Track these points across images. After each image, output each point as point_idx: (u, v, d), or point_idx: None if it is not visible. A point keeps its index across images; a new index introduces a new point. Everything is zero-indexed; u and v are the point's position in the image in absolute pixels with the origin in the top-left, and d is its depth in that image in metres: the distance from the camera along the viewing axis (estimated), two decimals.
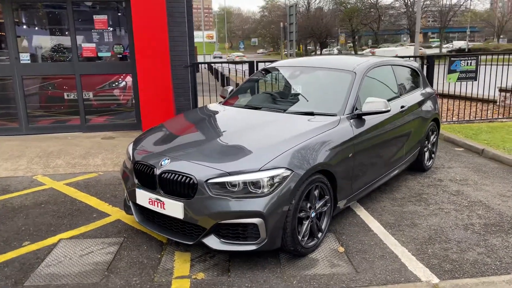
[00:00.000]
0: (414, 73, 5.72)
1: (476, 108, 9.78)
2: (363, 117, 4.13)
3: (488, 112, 9.97)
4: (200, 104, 8.01)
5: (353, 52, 55.15)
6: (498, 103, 10.76)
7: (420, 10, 18.40)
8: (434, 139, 5.88)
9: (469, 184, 5.24)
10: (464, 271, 3.26)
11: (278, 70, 5.14)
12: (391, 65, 5.12)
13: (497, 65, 9.06)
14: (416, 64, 5.94)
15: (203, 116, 4.45)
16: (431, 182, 5.33)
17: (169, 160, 3.41)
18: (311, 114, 4.08)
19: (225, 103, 4.85)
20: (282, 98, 4.57)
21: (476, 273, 3.23)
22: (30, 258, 3.51)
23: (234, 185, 3.14)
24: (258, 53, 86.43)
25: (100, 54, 7.63)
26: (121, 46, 7.66)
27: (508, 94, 10.50)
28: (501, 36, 71.91)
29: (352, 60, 4.79)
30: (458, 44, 59.83)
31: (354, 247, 3.64)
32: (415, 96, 5.34)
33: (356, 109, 4.12)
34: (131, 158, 3.77)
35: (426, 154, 5.66)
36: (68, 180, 5.47)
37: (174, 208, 3.31)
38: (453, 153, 6.70)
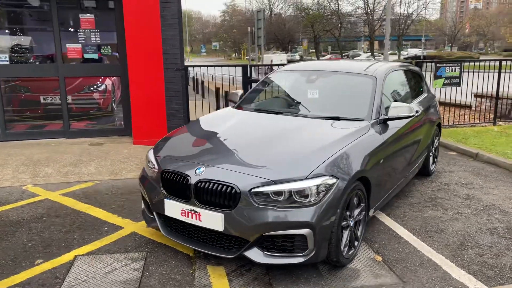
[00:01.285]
0: (419, 77, 5.76)
1: (454, 113, 10.07)
2: (388, 122, 4.08)
3: (465, 117, 10.28)
4: (192, 110, 7.76)
5: (315, 58, 56.07)
6: (473, 108, 11.15)
7: (389, 18, 18.92)
8: (437, 144, 5.95)
9: (476, 188, 5.31)
10: (506, 277, 3.25)
11: (292, 74, 5.01)
12: (403, 70, 5.12)
13: (468, 71, 9.24)
14: (418, 69, 6.00)
15: (225, 121, 4.23)
16: (439, 186, 5.36)
17: (204, 169, 3.19)
18: (337, 119, 3.98)
19: (238, 108, 4.66)
20: (302, 103, 4.44)
21: None
22: (48, 279, 3.17)
23: (279, 194, 2.97)
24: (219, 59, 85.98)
25: (86, 56, 7.20)
26: (108, 47, 7.27)
27: (483, 100, 10.91)
28: (450, 44, 75.84)
29: (369, 65, 4.75)
30: (413, 51, 62.24)
31: (390, 256, 3.56)
32: (423, 101, 5.37)
33: (381, 114, 4.06)
34: (157, 166, 3.50)
35: (431, 159, 5.71)
36: (64, 190, 5.08)
37: (212, 219, 3.09)
38: (448, 157, 6.82)
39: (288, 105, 4.42)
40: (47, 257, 3.49)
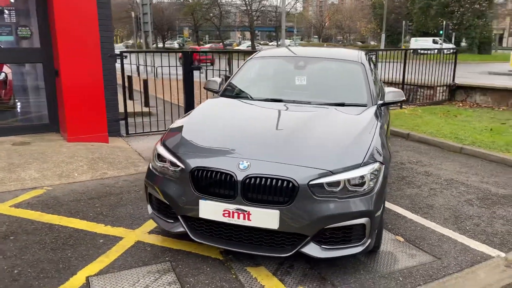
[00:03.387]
0: (373, 63, 6.06)
1: None
2: (382, 107, 4.21)
3: None
4: (128, 102, 7.04)
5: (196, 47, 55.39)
6: None
7: (284, 10, 19.51)
8: None
9: (427, 165, 5.84)
10: (511, 242, 3.63)
11: (276, 60, 4.82)
12: (370, 56, 5.33)
13: None
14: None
15: (230, 111, 3.90)
16: (398, 166, 5.76)
17: (249, 163, 2.91)
18: (342, 105, 3.98)
19: (226, 97, 4.33)
20: (298, 90, 4.31)
21: None
22: None
23: (337, 185, 2.86)
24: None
25: None
26: (27, 28, 6.14)
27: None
28: (315, 36, 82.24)
29: (350, 51, 4.84)
30: (285, 42, 65.78)
31: (409, 235, 3.70)
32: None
33: (378, 99, 4.17)
34: (179, 163, 3.08)
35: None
36: (12, 201, 4.20)
37: (265, 218, 2.85)
38: None
39: (284, 93, 4.25)
40: (50, 284, 2.85)
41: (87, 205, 4.15)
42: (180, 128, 3.54)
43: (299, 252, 2.90)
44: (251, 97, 4.18)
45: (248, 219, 2.87)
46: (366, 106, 3.99)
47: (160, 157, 3.30)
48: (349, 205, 2.86)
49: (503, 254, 3.41)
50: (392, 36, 53.27)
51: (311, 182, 2.81)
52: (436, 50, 13.41)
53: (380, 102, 4.15)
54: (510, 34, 77.14)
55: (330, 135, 3.32)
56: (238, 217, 2.89)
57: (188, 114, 3.96)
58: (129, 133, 6.96)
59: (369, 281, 2.98)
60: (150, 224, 3.76)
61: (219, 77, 5.98)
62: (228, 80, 4.59)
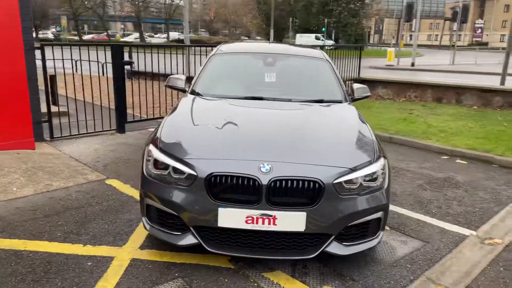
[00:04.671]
0: None
1: None
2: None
3: None
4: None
5: (73, 37, 51.16)
6: None
7: (187, 3, 18.98)
8: None
9: None
10: (474, 219, 4.07)
11: (242, 56, 4.63)
12: None
13: None
14: None
15: (215, 111, 3.67)
16: None
17: (270, 165, 2.79)
18: (321, 101, 4.03)
19: (196, 95, 4.06)
20: (272, 87, 4.22)
21: (482, 217, 4.10)
22: None
23: (355, 182, 2.91)
24: None
25: None
26: None
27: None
28: (202, 30, 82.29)
29: (310, 49, 4.92)
30: (173, 35, 64.59)
31: (391, 223, 3.91)
32: None
33: (348, 95, 4.32)
34: (189, 170, 2.82)
35: None
36: None
37: (291, 221, 2.77)
38: None
39: (263, 90, 4.12)
40: None
41: (48, 224, 3.59)
42: (176, 131, 3.25)
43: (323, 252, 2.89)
44: (231, 96, 3.99)
45: (274, 223, 2.77)
46: (341, 102, 4.11)
47: (157, 164, 2.98)
48: (368, 201, 2.92)
49: (474, 232, 3.81)
50: (277, 32, 55.56)
51: (335, 181, 2.81)
52: (333, 47, 14.45)
53: (350, 98, 4.30)
54: (375, 32, 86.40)
55: (333, 132, 3.35)
56: (263, 223, 2.76)
57: (171, 115, 3.62)
58: (54, 136, 6.17)
59: (383, 272, 3.09)
60: (136, 239, 3.40)
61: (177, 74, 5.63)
62: (196, 78, 4.32)
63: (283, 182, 2.75)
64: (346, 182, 2.85)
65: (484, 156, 6.12)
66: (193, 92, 4.12)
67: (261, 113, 3.69)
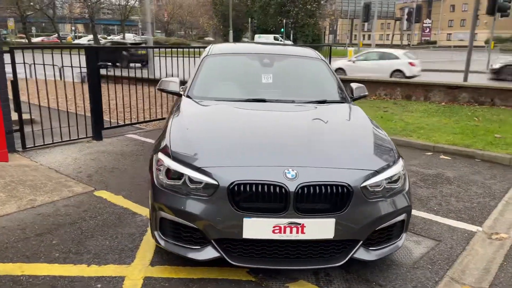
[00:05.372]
0: None
1: None
2: None
3: None
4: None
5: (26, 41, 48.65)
6: None
7: (149, 3, 18.44)
8: None
9: None
10: (476, 215, 4.11)
11: (238, 57, 4.43)
12: None
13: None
14: None
15: (221, 114, 3.46)
16: None
17: (295, 172, 2.65)
18: (324, 102, 3.94)
19: (199, 99, 3.84)
20: (275, 88, 4.07)
21: (482, 212, 4.16)
22: None
23: (380, 184, 2.82)
24: None
25: None
26: None
27: None
28: (158, 31, 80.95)
29: (303, 48, 4.82)
30: (128, 36, 62.98)
31: None
32: None
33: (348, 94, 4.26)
34: (210, 180, 2.63)
35: None
36: None
37: (320, 228, 2.65)
38: None
39: (264, 92, 3.96)
40: None
41: (42, 244, 3.27)
42: (186, 138, 3.03)
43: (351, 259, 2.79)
44: (233, 99, 3.80)
45: (302, 232, 2.63)
46: (343, 102, 4.04)
47: (170, 173, 2.77)
48: (394, 204, 2.85)
49: (480, 228, 3.84)
50: (234, 33, 55.42)
51: (362, 184, 2.71)
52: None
53: (350, 97, 4.24)
54: (330, 32, 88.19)
55: (350, 134, 3.26)
56: (291, 232, 2.62)
57: (176, 120, 3.38)
58: (27, 146, 5.72)
59: (407, 275, 3.03)
60: (144, 255, 3.16)
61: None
62: (192, 80, 4.10)
63: (311, 188, 2.61)
64: (372, 185, 2.76)
65: (466, 151, 6.27)
66: (190, 96, 3.91)
67: (271, 116, 3.54)
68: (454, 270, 3.12)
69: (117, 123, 7.04)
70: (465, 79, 12.08)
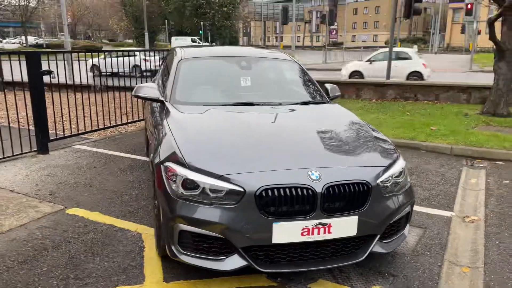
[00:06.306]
0: None
1: None
2: None
3: None
4: None
5: None
6: None
7: (64, 3, 17.11)
8: None
9: None
10: (443, 201, 4.46)
11: (214, 60, 4.31)
12: None
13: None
14: None
15: (227, 118, 3.38)
16: None
17: (318, 172, 2.68)
18: (307, 103, 4.03)
19: (183, 104, 3.70)
20: (258, 91, 4.03)
21: (448, 198, 4.52)
22: None
23: (388, 180, 2.96)
24: None
25: None
26: None
27: None
28: (62, 33, 76.24)
29: (273, 51, 4.86)
30: (30, 39, 58.31)
31: None
32: None
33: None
34: (234, 186, 2.56)
35: None
36: None
37: (345, 226, 2.71)
38: None
39: (249, 95, 3.91)
40: None
41: (31, 273, 2.92)
42: (197, 145, 2.91)
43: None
44: (220, 103, 3.72)
45: (329, 232, 2.67)
46: (325, 102, 4.15)
47: (187, 183, 2.64)
48: (403, 197, 3.00)
49: (453, 213, 4.19)
50: (148, 34, 53.78)
51: (378, 180, 2.82)
52: None
53: (328, 97, 4.37)
54: (244, 34, 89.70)
55: (352, 132, 3.36)
56: (319, 233, 2.65)
57: (176, 128, 3.19)
58: None
59: (412, 263, 3.20)
60: (154, 272, 2.97)
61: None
62: (172, 85, 3.92)
63: (335, 187, 2.66)
64: (384, 180, 2.88)
65: (412, 144, 6.77)
66: (175, 102, 3.75)
67: (271, 119, 3.53)
68: (449, 254, 3.37)
69: (63, 134, 6.46)
70: (388, 77, 13.01)
